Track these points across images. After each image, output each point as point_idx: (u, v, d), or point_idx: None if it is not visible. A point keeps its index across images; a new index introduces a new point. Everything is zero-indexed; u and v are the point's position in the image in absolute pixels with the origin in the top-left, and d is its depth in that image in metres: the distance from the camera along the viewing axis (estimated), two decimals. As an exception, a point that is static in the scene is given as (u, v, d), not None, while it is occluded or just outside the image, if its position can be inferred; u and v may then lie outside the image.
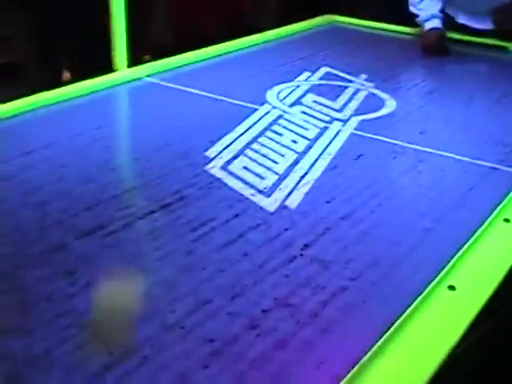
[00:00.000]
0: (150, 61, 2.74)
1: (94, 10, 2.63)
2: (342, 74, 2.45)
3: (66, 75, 3.17)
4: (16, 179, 1.61)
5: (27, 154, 1.73)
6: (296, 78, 2.38)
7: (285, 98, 2.18)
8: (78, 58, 3.03)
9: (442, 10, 2.89)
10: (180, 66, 2.44)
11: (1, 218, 1.45)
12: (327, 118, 2.03)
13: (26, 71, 3.12)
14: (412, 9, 2.91)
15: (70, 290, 1.22)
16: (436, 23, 2.87)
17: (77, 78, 2.40)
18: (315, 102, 2.17)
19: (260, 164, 1.71)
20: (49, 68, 3.06)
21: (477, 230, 1.43)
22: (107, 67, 2.35)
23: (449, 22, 2.90)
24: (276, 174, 1.66)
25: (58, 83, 2.71)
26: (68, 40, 2.97)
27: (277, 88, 2.26)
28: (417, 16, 2.91)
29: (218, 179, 1.62)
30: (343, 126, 1.98)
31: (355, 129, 1.97)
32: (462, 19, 2.92)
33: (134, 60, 2.43)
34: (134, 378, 1.02)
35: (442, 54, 2.83)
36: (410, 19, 2.97)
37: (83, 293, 1.21)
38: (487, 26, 2.86)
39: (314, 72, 2.45)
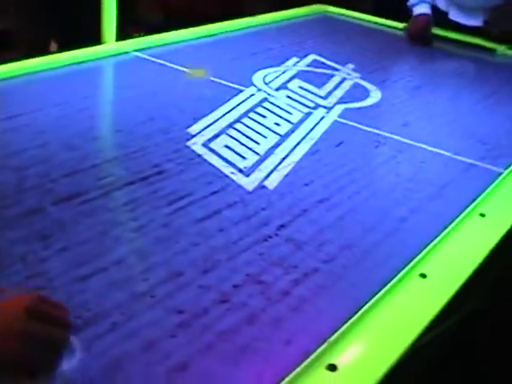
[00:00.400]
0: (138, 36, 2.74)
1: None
2: (329, 63, 2.46)
3: (54, 46, 3.16)
4: (-3, 142, 1.61)
5: (10, 119, 1.72)
6: (283, 63, 2.39)
7: (271, 81, 2.18)
8: (67, 29, 3.03)
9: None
10: (169, 43, 2.43)
11: (-21, 178, 1.45)
12: (312, 104, 2.04)
13: (16, 39, 3.11)
14: None
15: (44, 254, 1.22)
16: (424, 8, 2.90)
17: (65, 48, 2.39)
18: (301, 87, 2.17)
19: (242, 144, 1.71)
20: (38, 37, 3.06)
21: (452, 222, 1.45)
22: (96, 40, 2.35)
23: (439, 18, 2.91)
24: (257, 154, 1.67)
25: (46, 52, 2.71)
26: (58, 11, 2.96)
27: (264, 71, 2.26)
28: (407, 0, 2.96)
29: (199, 155, 1.63)
30: (327, 112, 1.99)
31: (339, 116, 1.97)
32: (452, 15, 2.93)
33: (123, 37, 2.42)
34: (101, 342, 1.02)
35: (426, 44, 2.86)
36: (401, 14, 2.99)
37: (57, 257, 1.21)
38: (478, 23, 2.87)
39: (301, 58, 2.45)
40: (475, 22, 2.88)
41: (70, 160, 1.56)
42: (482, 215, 1.51)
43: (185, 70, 2.19)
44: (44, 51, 2.92)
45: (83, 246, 1.25)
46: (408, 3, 2.94)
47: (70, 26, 3.00)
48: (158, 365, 1.00)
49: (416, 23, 2.91)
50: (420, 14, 2.91)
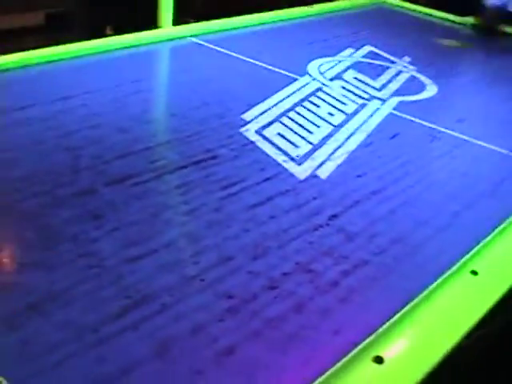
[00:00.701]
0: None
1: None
2: (385, 55, 2.43)
3: (110, 30, 3.19)
4: (53, 122, 1.63)
5: (66, 99, 1.74)
6: (339, 53, 2.37)
7: (326, 71, 2.17)
8: (123, 14, 3.05)
9: None
10: (225, 30, 2.43)
11: (36, 158, 1.46)
12: (366, 96, 2.02)
13: (73, 22, 3.15)
14: None
15: (95, 234, 1.23)
16: None
17: (121, 32, 2.40)
18: (356, 78, 2.15)
19: (295, 132, 1.70)
20: (94, 20, 3.09)
21: (505, 219, 1.43)
22: (152, 24, 2.36)
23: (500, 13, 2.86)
24: (310, 143, 1.66)
25: (102, 35, 2.73)
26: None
27: (319, 61, 2.24)
28: None
29: (252, 142, 1.62)
30: (382, 104, 1.97)
31: (394, 109, 1.95)
32: None
33: (179, 23, 2.43)
34: (150, 324, 1.03)
35: (492, 36, 2.80)
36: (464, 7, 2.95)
37: (108, 237, 1.22)
38: None
39: (357, 49, 2.43)
40: None
41: (123, 142, 1.57)
42: (536, 214, 1.48)
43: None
44: (100, 34, 2.96)
45: (134, 228, 1.26)
46: None
47: (126, 11, 3.03)
48: (206, 348, 1.00)
49: (484, 16, 2.86)
50: (488, 6, 2.85)
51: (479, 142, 1.81)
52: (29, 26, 4.60)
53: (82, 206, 1.31)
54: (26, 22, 4.64)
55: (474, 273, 1.24)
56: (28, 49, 2.00)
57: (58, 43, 2.06)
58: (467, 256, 1.28)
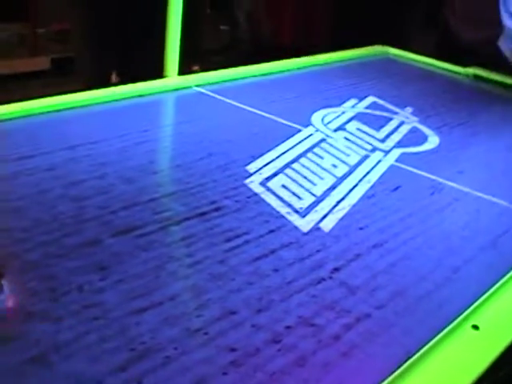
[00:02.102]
0: (198, 71, 2.78)
1: (152, 15, 2.69)
2: (388, 105, 2.46)
3: (114, 78, 3.23)
4: (59, 171, 1.65)
5: (72, 148, 1.77)
6: (342, 103, 2.40)
7: (329, 122, 2.20)
8: (128, 61, 3.09)
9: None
10: (230, 80, 2.46)
11: (41, 207, 1.48)
12: (369, 147, 2.05)
13: (78, 67, 3.19)
14: None
15: (101, 285, 1.24)
16: None
17: (126, 81, 2.44)
18: (359, 129, 2.18)
19: (298, 184, 1.73)
20: (99, 67, 3.13)
21: (506, 273, 1.44)
22: (157, 73, 2.39)
23: (501, 63, 2.88)
24: (313, 195, 1.68)
25: (107, 84, 2.77)
26: (121, 42, 3.03)
27: (322, 112, 2.27)
28: None
29: (256, 194, 1.65)
30: (384, 156, 1.99)
31: (396, 160, 1.98)
32: None
33: (184, 70, 2.47)
34: (153, 376, 1.04)
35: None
36: (461, 57, 2.98)
37: (113, 289, 1.24)
38: None
39: (360, 100, 2.46)
40: None
41: (129, 193, 1.59)
42: (537, 268, 1.50)
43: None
44: (105, 82, 3.00)
45: (139, 280, 1.28)
46: None
47: (131, 58, 3.07)
48: (209, 402, 1.01)
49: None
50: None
51: (480, 194, 1.83)
52: (35, 71, 4.68)
53: (87, 257, 1.33)
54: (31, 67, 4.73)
55: (476, 327, 1.25)
56: (33, 94, 2.03)
57: (63, 88, 2.10)
58: (468, 310, 1.29)
